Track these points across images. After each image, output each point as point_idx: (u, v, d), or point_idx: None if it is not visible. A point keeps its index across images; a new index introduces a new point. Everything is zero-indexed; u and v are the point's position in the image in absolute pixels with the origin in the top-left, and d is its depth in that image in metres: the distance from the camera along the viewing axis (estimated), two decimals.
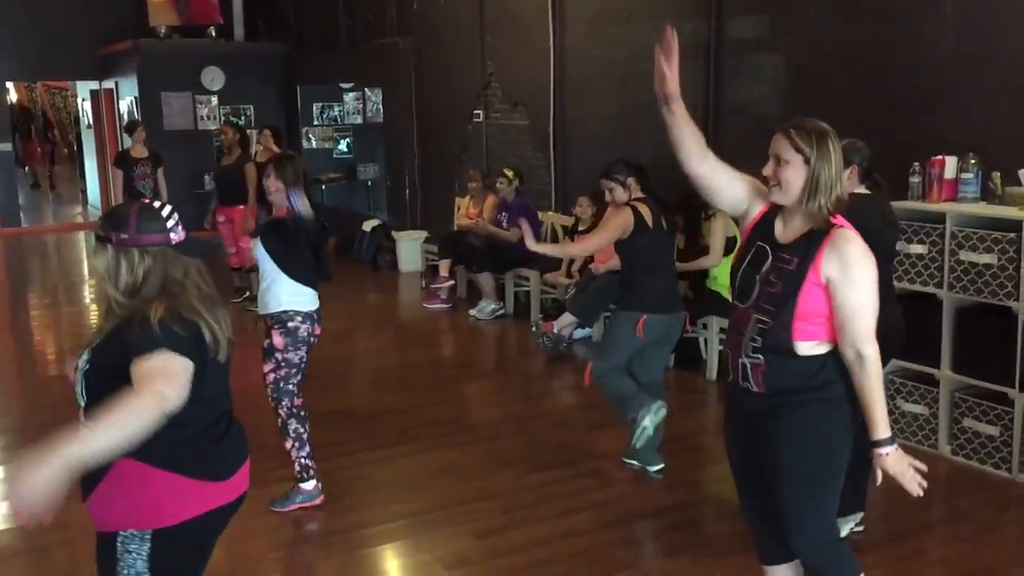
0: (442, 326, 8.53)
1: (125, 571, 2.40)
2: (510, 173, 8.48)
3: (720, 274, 6.37)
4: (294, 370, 4.42)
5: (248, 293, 8.83)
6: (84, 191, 17.64)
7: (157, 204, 2.49)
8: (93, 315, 9.48)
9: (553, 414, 6.07)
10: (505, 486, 4.74)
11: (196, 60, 13.34)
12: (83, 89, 16.09)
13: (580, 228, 7.79)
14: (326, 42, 12.71)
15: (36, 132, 21.14)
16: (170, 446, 2.34)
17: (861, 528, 4.04)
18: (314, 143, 13.88)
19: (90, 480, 2.37)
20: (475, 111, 9.78)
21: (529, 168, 8.86)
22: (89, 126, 16.11)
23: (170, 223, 2.43)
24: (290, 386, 4.42)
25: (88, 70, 14.44)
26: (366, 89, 13.41)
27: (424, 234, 10.52)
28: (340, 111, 14.03)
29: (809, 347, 2.70)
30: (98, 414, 2.13)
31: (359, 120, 13.95)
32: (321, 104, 13.87)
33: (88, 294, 10.59)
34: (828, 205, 2.66)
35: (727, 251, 6.32)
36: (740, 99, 6.75)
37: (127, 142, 10.77)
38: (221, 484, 2.49)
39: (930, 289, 4.88)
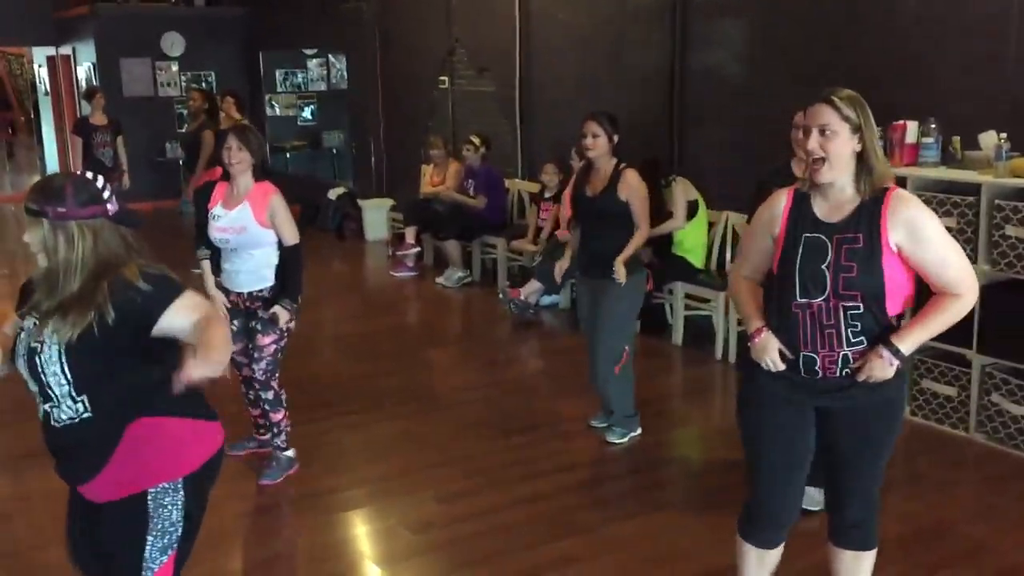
0: (408, 293, 8.51)
1: (160, 525, 2.43)
2: (477, 140, 8.44)
3: (684, 239, 6.40)
4: (286, 340, 4.40)
5: None
6: (42, 159, 17.31)
7: (90, 175, 2.46)
8: None
9: (518, 380, 6.09)
10: (470, 451, 4.76)
11: (155, 25, 13.10)
12: (40, 55, 15.75)
13: (546, 195, 7.79)
14: (289, 6, 12.51)
15: None
16: (170, 395, 2.36)
17: None
18: (278, 110, 13.71)
19: (94, 456, 2.39)
20: (440, 77, 9.70)
21: (495, 135, 8.82)
22: (47, 93, 15.79)
23: (106, 194, 2.40)
24: (280, 356, 4.40)
25: (44, 35, 14.13)
26: (330, 55, 13.25)
27: (390, 202, 10.46)
28: (304, 78, 13.86)
29: (898, 317, 2.69)
30: (198, 350, 2.29)
31: (323, 87, 13.78)
32: (284, 71, 13.69)
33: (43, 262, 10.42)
34: (883, 170, 2.62)
35: (689, 215, 6.35)
36: (706, 63, 6.74)
37: (86, 109, 10.57)
38: (216, 423, 2.59)
39: None
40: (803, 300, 2.65)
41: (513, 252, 8.20)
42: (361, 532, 4.14)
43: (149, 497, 2.42)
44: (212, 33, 13.43)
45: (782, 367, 2.73)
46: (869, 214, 2.60)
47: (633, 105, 7.32)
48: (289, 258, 4.31)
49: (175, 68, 13.34)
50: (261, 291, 4.33)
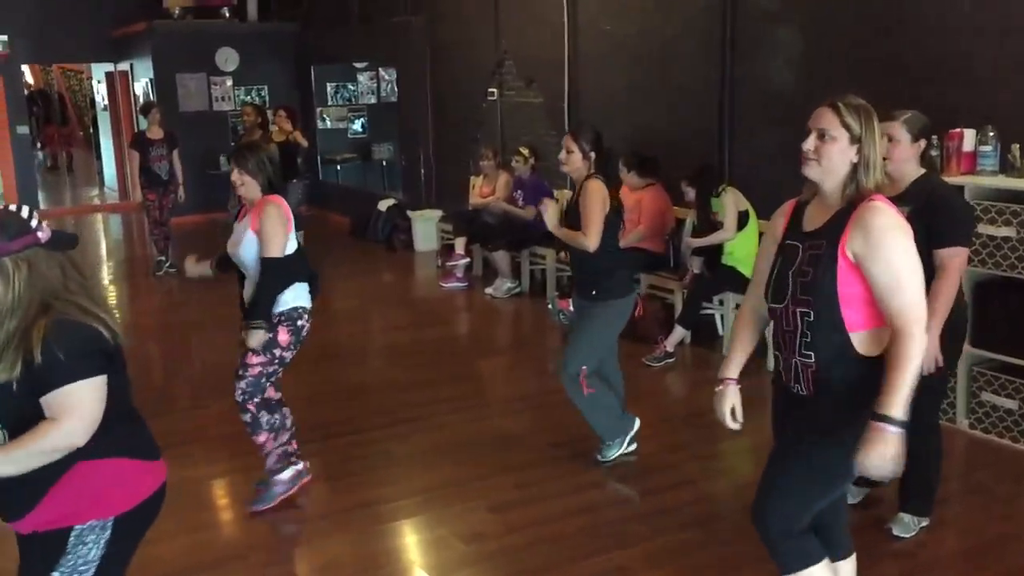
0: (458, 304, 8.55)
1: (72, 562, 2.35)
2: (525, 151, 8.47)
3: (735, 249, 6.35)
4: (280, 369, 4.22)
5: None
6: (100, 173, 17.71)
7: (12, 207, 2.35)
8: (111, 296, 9.55)
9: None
10: (520, 461, 4.76)
11: (210, 41, 13.34)
12: (98, 71, 16.12)
13: None
14: (339, 21, 12.68)
15: (52, 115, 21.22)
16: (113, 437, 2.34)
17: None
18: (328, 123, 13.88)
19: (26, 497, 2.31)
20: (489, 89, 9.75)
21: (544, 146, 8.84)
22: (105, 108, 16.16)
23: (33, 222, 2.30)
24: (267, 383, 4.19)
25: (103, 52, 14.47)
26: (380, 68, 13.39)
27: (439, 213, 10.53)
28: (354, 90, 14.02)
29: (866, 339, 2.53)
30: (10, 444, 2.21)
31: (373, 99, 13.93)
32: (335, 84, 13.86)
33: (106, 275, 10.66)
34: (873, 187, 2.53)
35: (740, 225, 6.30)
36: (755, 72, 6.69)
37: (143, 124, 10.80)
38: (158, 463, 2.53)
39: None
40: (773, 305, 2.67)
41: (562, 263, 8.19)
42: (412, 542, 4.16)
43: (73, 533, 2.34)
44: (265, 48, 13.65)
45: (733, 426, 2.85)
46: (838, 221, 2.54)
47: (682, 115, 7.30)
48: (264, 271, 4.05)
49: (229, 83, 13.58)
50: (285, 312, 4.15)
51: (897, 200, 3.49)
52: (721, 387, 2.85)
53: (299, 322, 4.18)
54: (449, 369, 6.45)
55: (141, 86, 13.83)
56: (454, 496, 4.43)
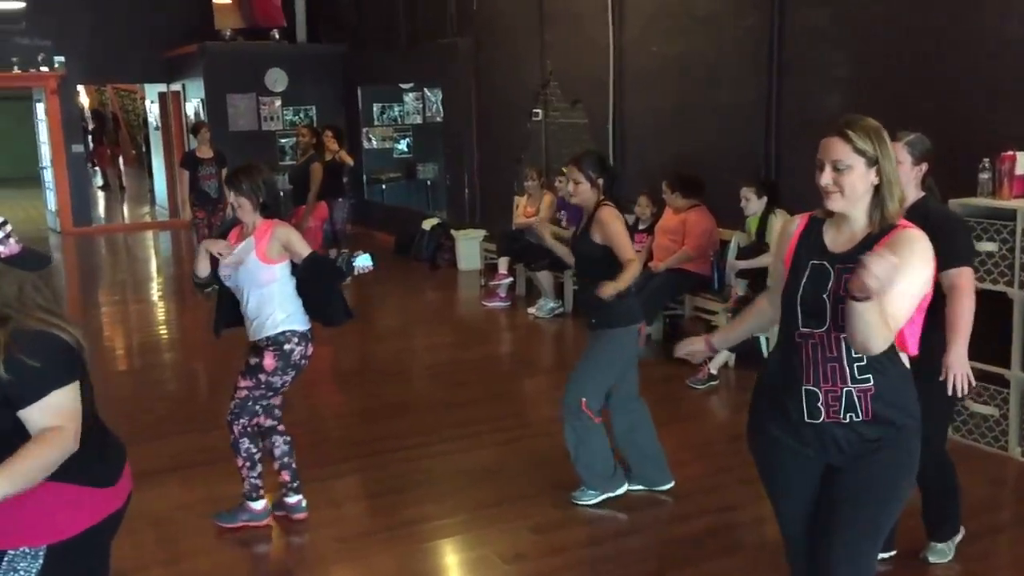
0: (501, 324, 8.56)
1: None
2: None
3: None
4: (271, 394, 4.22)
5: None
6: (152, 191, 18.06)
7: None
8: (160, 311, 9.71)
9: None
10: (563, 482, 4.74)
11: (260, 62, 13.58)
12: (151, 91, 16.48)
13: (640, 227, 7.76)
14: (386, 42, 12.83)
15: (106, 134, 21.71)
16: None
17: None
18: (375, 143, 14.03)
19: None
20: (534, 109, 9.80)
21: None
22: (157, 128, 16.50)
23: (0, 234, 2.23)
24: (257, 407, 4.21)
25: (156, 73, 14.79)
26: (426, 89, 13.52)
27: (483, 232, 10.57)
28: (400, 111, 14.17)
29: (905, 357, 2.54)
30: (8, 460, 2.13)
31: (419, 120, 14.07)
32: (382, 104, 14.02)
33: (156, 290, 10.85)
34: (899, 207, 2.46)
35: None
36: (802, 94, 6.65)
37: (193, 143, 11.01)
38: (109, 490, 2.41)
39: (1000, 288, 4.76)
40: (805, 330, 2.52)
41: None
42: (453, 561, 4.16)
43: (5, 559, 2.26)
44: (313, 69, 13.86)
45: (678, 353, 2.99)
46: (870, 245, 2.44)
47: (728, 135, 7.27)
48: (313, 259, 4.14)
49: (278, 103, 13.80)
50: (272, 336, 4.14)
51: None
52: (699, 338, 2.87)
53: (286, 346, 4.13)
54: (491, 388, 6.45)
55: (192, 106, 14.11)
56: (496, 516, 4.42)
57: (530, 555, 4.06)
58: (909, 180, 3.48)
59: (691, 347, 3.08)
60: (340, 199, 9.86)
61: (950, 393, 3.33)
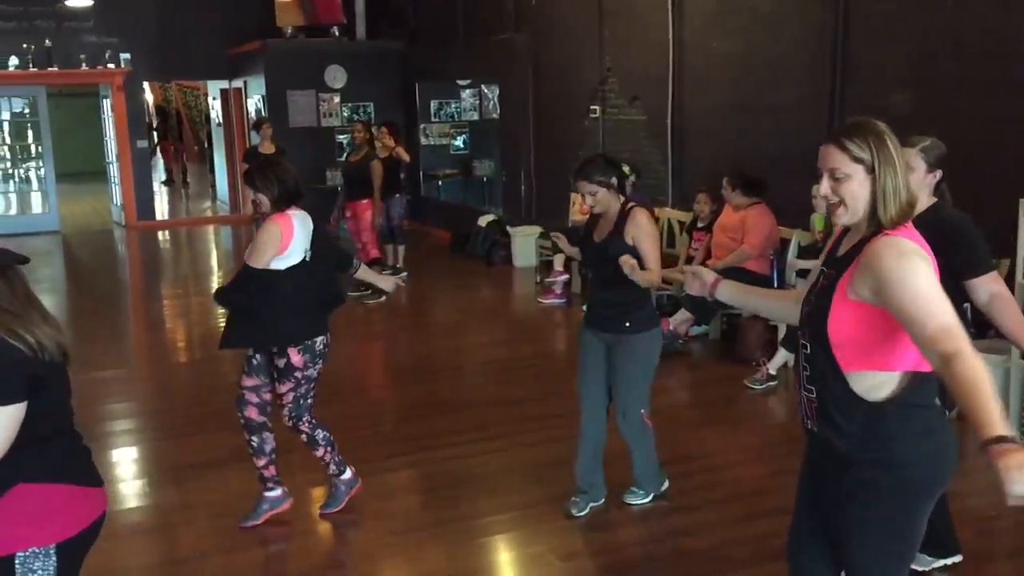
0: (556, 320, 8.53)
1: None
2: (627, 168, 8.39)
3: None
4: (312, 384, 4.28)
5: (369, 290, 9.05)
6: (213, 186, 18.36)
7: None
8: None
9: (665, 410, 5.97)
10: (618, 481, 4.70)
11: (320, 59, 13.72)
12: (214, 88, 16.75)
13: (699, 224, 7.68)
14: (444, 39, 12.88)
15: (169, 130, 22.13)
16: (52, 460, 2.34)
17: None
18: (431, 140, 14.09)
19: None
20: (592, 106, 9.75)
21: (645, 163, 8.78)
22: (219, 124, 16.77)
23: None
24: (308, 401, 4.30)
25: (219, 70, 15.03)
26: (483, 86, 13.54)
27: (539, 229, 10.55)
28: (457, 107, 14.21)
29: (866, 381, 2.29)
30: None
31: (476, 116, 14.10)
32: (439, 101, 14.07)
33: (216, 284, 11.02)
34: (895, 216, 2.29)
35: None
36: (866, 92, 6.51)
37: (255, 139, 11.15)
38: (101, 489, 2.50)
39: None
40: (798, 332, 2.50)
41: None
42: (507, 558, 4.15)
43: (17, 562, 2.30)
44: (372, 66, 13.96)
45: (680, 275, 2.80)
46: (853, 253, 2.34)
47: (788, 133, 7.15)
48: (242, 275, 4.11)
49: (336, 100, 13.93)
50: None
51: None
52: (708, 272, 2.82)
53: (307, 340, 4.18)
54: (546, 385, 6.43)
55: (253, 102, 14.31)
56: (550, 513, 4.40)
57: (586, 553, 4.03)
58: (922, 186, 3.36)
59: (698, 278, 2.83)
60: (397, 195, 9.91)
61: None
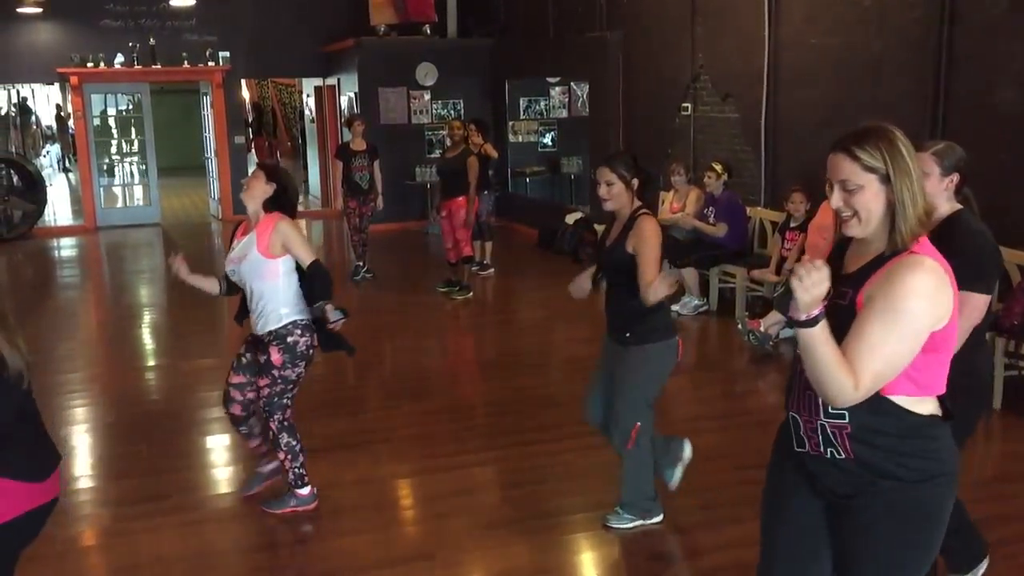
0: None
1: None
2: (719, 167, 8.30)
3: None
4: (291, 386, 4.26)
5: (458, 285, 9.12)
6: (306, 182, 18.75)
7: None
8: None
9: (756, 412, 5.89)
10: (706, 482, 4.64)
11: (412, 56, 13.87)
12: (308, 86, 17.09)
13: (792, 224, 7.52)
14: (534, 36, 12.88)
15: (264, 126, 22.67)
16: None
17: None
18: (520, 137, 14.12)
19: None
20: (683, 104, 9.63)
21: (738, 162, 8.64)
22: (312, 121, 17.10)
23: None
24: (284, 400, 4.27)
25: (313, 67, 15.32)
26: (572, 83, 13.50)
27: None
28: (546, 105, 14.21)
29: (904, 402, 2.19)
30: None
31: (564, 114, 14.07)
32: (528, 98, 14.09)
33: None
34: (915, 226, 2.16)
35: None
36: (975, 87, 6.28)
37: (346, 135, 11.34)
38: (38, 485, 2.54)
39: None
40: (799, 353, 2.20)
41: (753, 282, 7.97)
42: (592, 556, 4.13)
43: None
44: (462, 63, 14.05)
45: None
46: (871, 268, 2.20)
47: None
48: (313, 273, 4.14)
49: (427, 97, 14.07)
50: (275, 330, 4.19)
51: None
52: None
53: (290, 339, 4.17)
54: None
55: (346, 99, 14.55)
56: None
57: (673, 555, 4.00)
58: (939, 192, 3.19)
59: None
60: (485, 192, 9.96)
61: None
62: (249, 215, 4.28)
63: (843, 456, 2.23)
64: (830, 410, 2.20)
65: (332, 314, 4.11)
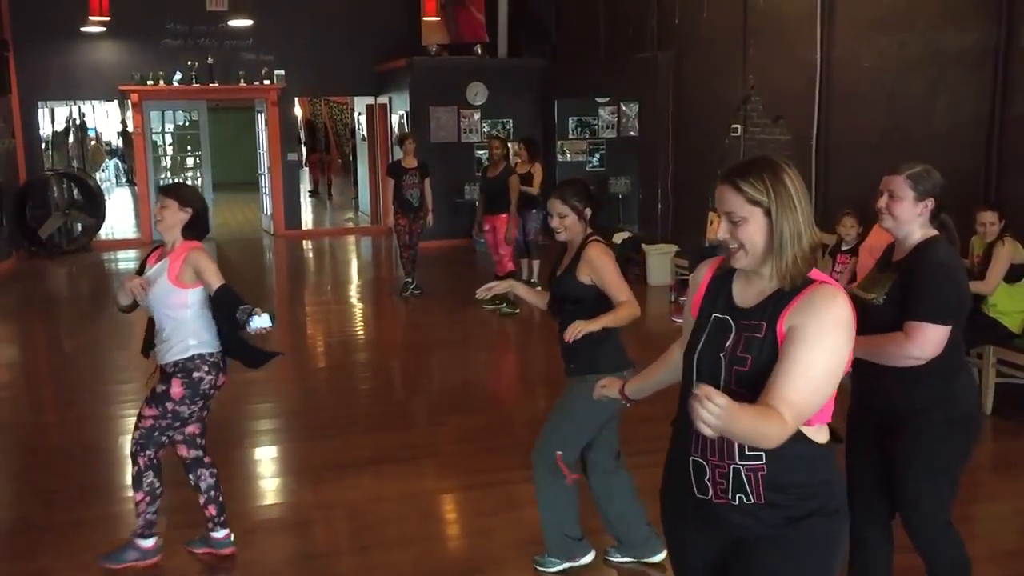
0: None
1: None
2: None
3: (1000, 301, 5.88)
4: (178, 424, 4.00)
5: (503, 303, 9.16)
6: (356, 199, 18.97)
7: None
8: (358, 312, 10.17)
9: None
10: None
11: (462, 76, 14.01)
12: (360, 104, 17.33)
13: (843, 247, 7.44)
14: (585, 56, 12.94)
15: (316, 143, 23.00)
16: None
17: None
18: (568, 156, 14.17)
19: None
20: (733, 125, 9.60)
21: None
22: (364, 138, 17.33)
23: None
24: (164, 437, 4.01)
25: (366, 86, 15.54)
26: (621, 103, 13.52)
27: (674, 248, 10.45)
28: (595, 124, 14.24)
29: (809, 432, 2.16)
30: None
31: (613, 134, 14.09)
32: (577, 118, 14.14)
33: (355, 293, 11.38)
34: (800, 258, 2.13)
35: (1015, 277, 5.83)
36: None
37: (397, 153, 11.48)
38: None
39: None
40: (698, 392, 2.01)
41: None
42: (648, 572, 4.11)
43: None
44: (512, 83, 14.16)
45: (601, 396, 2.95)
46: (778, 301, 2.15)
47: (944, 156, 6.85)
48: (219, 297, 3.86)
49: (477, 116, 14.19)
50: (180, 360, 3.93)
51: (896, 266, 3.09)
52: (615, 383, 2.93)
53: (195, 374, 3.92)
54: (675, 406, 6.34)
55: (397, 118, 14.73)
56: None
57: None
58: (912, 218, 3.10)
59: (605, 391, 2.95)
60: (534, 210, 10.01)
61: None
62: (166, 242, 4.03)
63: (752, 501, 2.17)
64: (746, 451, 2.14)
65: (256, 321, 3.77)
